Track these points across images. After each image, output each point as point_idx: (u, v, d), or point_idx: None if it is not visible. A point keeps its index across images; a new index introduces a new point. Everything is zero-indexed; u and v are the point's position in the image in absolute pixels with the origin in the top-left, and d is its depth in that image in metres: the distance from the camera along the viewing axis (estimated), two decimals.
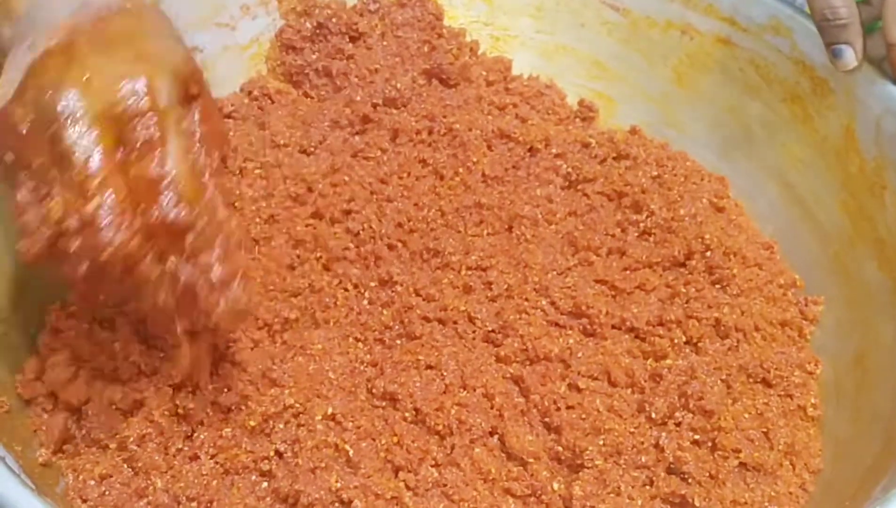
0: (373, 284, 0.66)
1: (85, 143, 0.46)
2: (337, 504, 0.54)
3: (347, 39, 0.83)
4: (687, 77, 0.82)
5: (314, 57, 0.82)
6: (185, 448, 0.57)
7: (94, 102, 0.46)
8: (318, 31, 0.83)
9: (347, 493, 0.53)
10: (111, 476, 0.56)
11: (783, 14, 0.74)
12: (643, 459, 0.58)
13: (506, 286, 0.66)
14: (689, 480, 0.58)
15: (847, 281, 0.70)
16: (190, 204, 0.47)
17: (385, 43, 0.83)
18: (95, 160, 0.46)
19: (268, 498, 0.55)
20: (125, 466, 0.57)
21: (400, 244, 0.69)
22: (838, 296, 0.70)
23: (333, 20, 0.82)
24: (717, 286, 0.68)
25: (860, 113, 0.69)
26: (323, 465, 0.55)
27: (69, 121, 0.46)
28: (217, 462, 0.57)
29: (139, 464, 0.56)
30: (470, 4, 0.88)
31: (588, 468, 0.57)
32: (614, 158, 0.78)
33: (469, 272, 0.67)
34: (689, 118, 0.83)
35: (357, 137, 0.77)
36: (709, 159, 0.80)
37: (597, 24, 0.85)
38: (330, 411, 0.58)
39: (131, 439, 0.56)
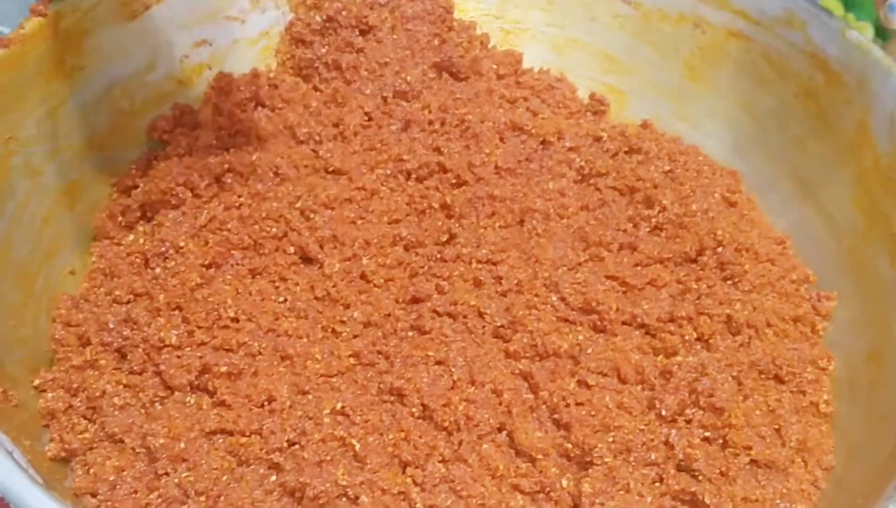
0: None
1: None
2: (343, 499, 0.54)
3: (357, 33, 0.82)
4: (699, 71, 0.82)
5: (324, 50, 0.82)
6: (202, 439, 0.57)
7: None
8: (327, 24, 0.82)
9: (354, 489, 0.53)
10: (123, 471, 0.56)
11: (797, 6, 0.73)
12: (653, 456, 0.57)
13: (516, 281, 0.66)
14: (700, 477, 0.57)
15: (861, 277, 0.69)
16: None
17: (395, 36, 0.83)
18: None
19: (275, 492, 0.55)
20: (138, 460, 0.57)
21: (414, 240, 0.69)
22: (852, 292, 0.69)
23: (343, 13, 0.82)
24: (729, 282, 0.68)
25: (875, 107, 0.68)
26: (329, 458, 0.55)
27: None
28: (228, 452, 0.57)
29: (154, 454, 0.56)
30: None
31: (597, 465, 0.57)
32: (626, 153, 0.78)
33: (480, 266, 0.67)
34: (701, 112, 0.82)
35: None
36: (721, 153, 0.80)
37: (608, 17, 0.85)
38: (339, 405, 0.58)
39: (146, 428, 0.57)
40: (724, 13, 0.78)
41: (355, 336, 0.64)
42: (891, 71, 0.67)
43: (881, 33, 0.97)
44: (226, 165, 0.71)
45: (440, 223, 0.70)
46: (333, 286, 0.66)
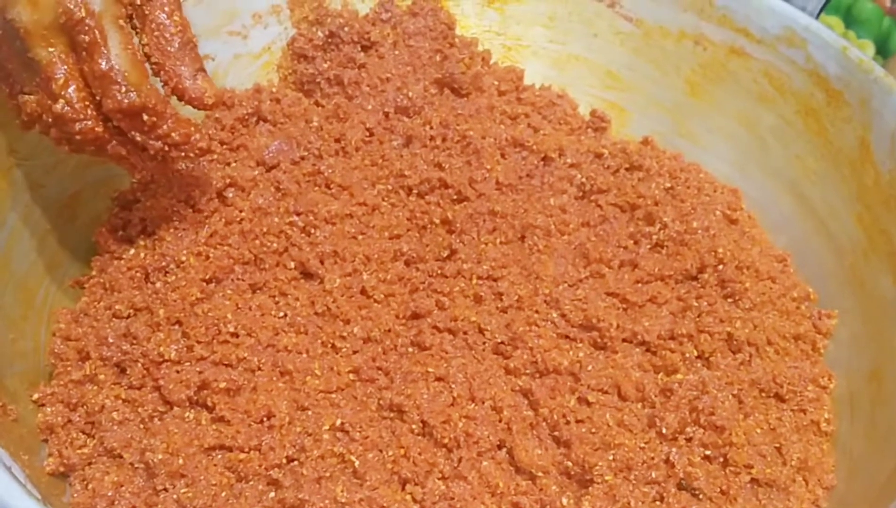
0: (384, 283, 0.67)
1: (44, 53, 0.54)
2: None
3: (359, 49, 0.83)
4: (700, 88, 0.82)
5: (326, 66, 0.82)
6: (201, 454, 0.57)
7: (43, 17, 0.53)
8: (329, 40, 0.82)
9: (353, 506, 0.53)
10: (122, 486, 0.56)
11: (797, 25, 0.73)
12: (653, 474, 0.57)
13: (516, 297, 0.66)
14: (700, 496, 0.57)
15: (861, 295, 0.69)
16: (137, 89, 0.55)
17: (397, 52, 0.83)
18: (55, 66, 0.54)
19: None
20: (136, 476, 0.56)
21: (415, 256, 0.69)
22: (852, 310, 0.69)
23: (345, 29, 0.82)
24: (730, 300, 0.68)
25: (876, 125, 0.69)
26: (328, 475, 0.55)
27: (27, 34, 0.54)
28: (227, 468, 0.56)
29: (152, 469, 0.56)
30: (482, 14, 0.88)
31: (598, 483, 0.56)
32: (627, 169, 0.78)
33: (480, 282, 0.67)
34: (701, 129, 0.82)
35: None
36: (722, 171, 0.80)
37: (609, 33, 0.85)
38: (338, 421, 0.58)
39: (145, 444, 0.56)
40: (725, 31, 0.78)
41: (355, 352, 0.64)
42: (892, 89, 0.67)
43: (882, 51, 0.97)
44: (227, 180, 0.71)
45: (441, 239, 0.70)
46: (333, 302, 0.65)
